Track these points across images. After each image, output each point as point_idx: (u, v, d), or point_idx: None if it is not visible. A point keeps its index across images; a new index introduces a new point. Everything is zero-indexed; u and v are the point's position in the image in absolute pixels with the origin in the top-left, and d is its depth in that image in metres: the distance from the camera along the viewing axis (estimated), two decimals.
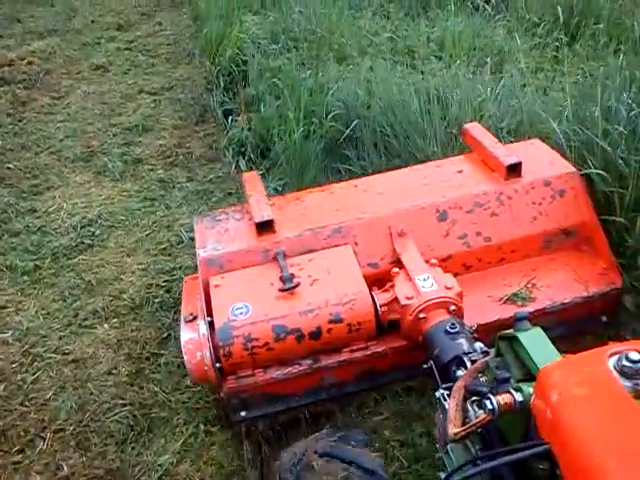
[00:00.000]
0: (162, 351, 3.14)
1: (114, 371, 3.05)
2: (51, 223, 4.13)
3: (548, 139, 3.12)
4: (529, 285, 2.62)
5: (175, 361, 3.05)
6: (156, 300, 3.42)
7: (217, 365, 2.31)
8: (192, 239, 3.15)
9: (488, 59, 4.49)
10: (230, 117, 4.90)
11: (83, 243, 3.93)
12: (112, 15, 7.51)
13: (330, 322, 2.33)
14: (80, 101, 5.68)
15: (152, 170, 4.63)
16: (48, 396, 2.94)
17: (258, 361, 2.33)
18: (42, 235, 4.03)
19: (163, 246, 3.84)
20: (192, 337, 2.41)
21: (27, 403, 2.92)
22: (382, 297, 2.39)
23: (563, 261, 2.70)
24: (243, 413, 2.43)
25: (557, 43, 4.78)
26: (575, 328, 2.62)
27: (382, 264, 2.55)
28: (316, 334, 2.32)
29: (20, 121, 5.40)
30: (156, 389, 2.94)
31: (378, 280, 2.49)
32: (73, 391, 2.96)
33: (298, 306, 2.35)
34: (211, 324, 2.34)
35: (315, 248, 2.56)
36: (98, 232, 4.02)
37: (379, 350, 2.42)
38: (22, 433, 2.78)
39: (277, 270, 2.46)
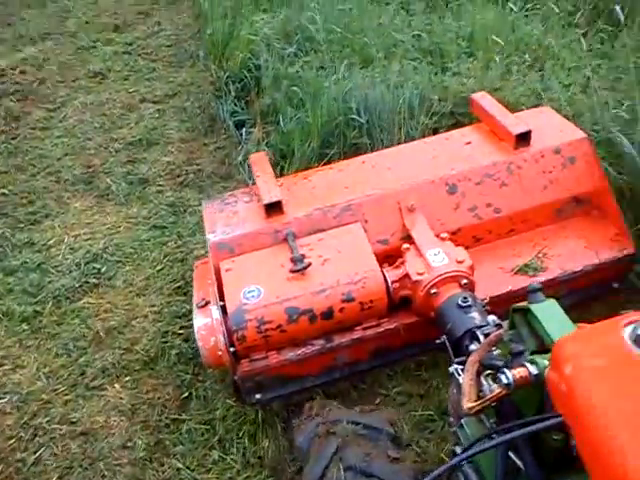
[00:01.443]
0: (183, 415, 2.77)
1: (129, 444, 2.69)
2: (51, 259, 3.73)
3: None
4: (540, 255, 2.60)
5: (199, 428, 2.70)
6: (172, 352, 3.03)
7: (231, 349, 2.29)
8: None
9: (526, 56, 4.10)
10: (244, 129, 4.43)
11: (88, 283, 3.53)
12: (107, 15, 6.95)
13: (342, 301, 2.32)
14: (78, 113, 5.22)
15: (160, 192, 4.21)
16: None
17: (271, 343, 2.33)
18: (42, 274, 3.62)
19: (177, 284, 3.43)
20: (205, 322, 2.40)
21: None
22: (393, 274, 2.38)
23: (574, 229, 2.68)
24: (258, 395, 2.43)
25: (602, 34, 4.21)
26: (587, 296, 2.61)
27: (392, 240, 2.54)
28: (328, 314, 2.32)
29: (14, 139, 4.94)
30: (179, 465, 2.58)
31: (389, 257, 2.48)
32: (82, 472, 2.61)
33: (310, 287, 2.34)
34: (223, 308, 2.33)
35: (325, 227, 2.55)
36: (104, 269, 3.60)
37: (391, 327, 2.41)
38: None
39: (287, 251, 2.45)
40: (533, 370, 1.45)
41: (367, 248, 2.45)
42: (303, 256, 2.40)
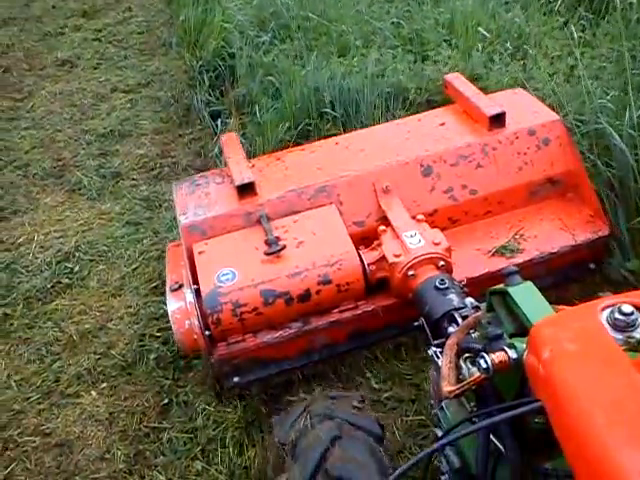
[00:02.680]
0: (164, 424, 2.66)
1: (107, 455, 2.57)
2: (21, 259, 3.56)
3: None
4: (517, 236, 2.60)
5: (181, 437, 2.60)
6: (151, 356, 2.90)
7: (206, 333, 2.26)
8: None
9: (508, 44, 4.04)
10: (219, 119, 4.29)
11: (60, 283, 3.38)
12: (75, 0, 6.76)
13: (319, 284, 2.30)
14: (46, 103, 5.04)
15: (134, 186, 4.06)
16: None
17: (248, 326, 2.30)
18: (11, 274, 3.47)
19: (154, 284, 3.29)
20: (179, 306, 2.37)
21: None
22: (370, 256, 2.36)
23: (550, 211, 2.68)
24: (236, 379, 2.39)
25: (583, 22, 4.15)
26: (564, 276, 2.63)
27: (368, 222, 2.52)
28: (305, 296, 2.29)
29: None
30: (161, 477, 2.47)
31: (364, 239, 2.46)
32: None
33: (285, 269, 2.31)
34: (197, 292, 2.29)
35: (299, 209, 2.52)
36: (77, 268, 3.45)
37: (369, 309, 2.39)
38: None
39: (261, 233, 2.41)
40: (512, 354, 1.43)
41: (342, 230, 2.43)
42: (278, 238, 2.38)
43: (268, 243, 2.36)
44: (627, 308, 1.21)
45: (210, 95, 4.55)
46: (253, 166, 2.71)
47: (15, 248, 3.64)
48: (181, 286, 2.43)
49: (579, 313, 1.32)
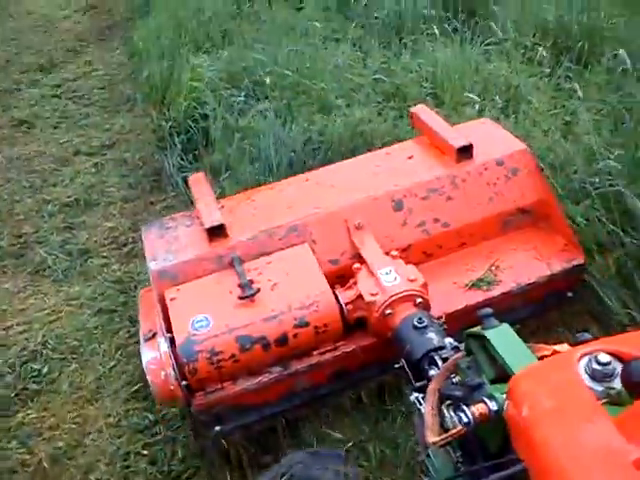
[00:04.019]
0: None
1: None
2: None
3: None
4: (493, 268, 2.59)
5: None
6: None
7: (183, 383, 2.19)
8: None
9: (497, 97, 3.87)
10: None
11: (26, 389, 2.93)
12: (31, 53, 6.29)
13: (295, 327, 2.26)
14: (3, 170, 4.60)
15: (105, 265, 3.63)
16: None
17: (225, 374, 2.24)
18: None
19: (135, 387, 2.88)
20: (154, 356, 2.30)
21: None
22: (346, 295, 2.33)
23: (523, 241, 2.68)
24: (217, 427, 2.32)
25: (568, 72, 4.06)
26: (542, 306, 2.63)
27: (342, 260, 2.49)
28: (282, 340, 2.26)
29: None
30: None
31: (340, 277, 2.43)
32: None
33: (261, 313, 2.27)
34: (172, 340, 2.23)
35: (271, 250, 2.48)
36: (45, 369, 3.01)
37: (348, 350, 2.36)
38: None
39: (234, 277, 2.37)
40: (492, 406, 1.42)
41: (316, 270, 2.39)
42: (251, 281, 2.33)
43: (241, 287, 2.31)
44: (604, 357, 1.21)
45: (183, 160, 4.18)
46: (222, 207, 2.66)
47: None
48: (155, 335, 2.37)
49: (556, 364, 1.33)
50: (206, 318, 2.25)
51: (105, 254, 3.73)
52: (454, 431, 1.48)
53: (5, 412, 2.84)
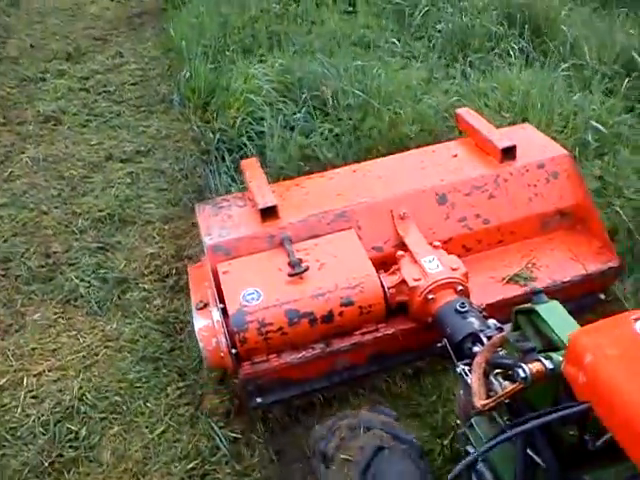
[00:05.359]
0: None
1: None
2: (5, 416, 2.62)
3: None
4: (529, 265, 2.67)
5: None
6: None
7: (233, 351, 2.29)
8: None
9: (589, 137, 3.57)
10: None
11: (62, 457, 2.46)
12: (57, 39, 5.88)
13: (341, 305, 2.35)
14: (28, 172, 4.10)
15: (145, 300, 3.14)
16: None
17: (272, 346, 2.34)
18: None
19: (191, 464, 2.43)
20: (206, 324, 2.38)
21: None
22: (389, 280, 2.42)
23: (560, 241, 2.77)
24: (259, 399, 2.42)
25: None
26: (576, 306, 2.59)
27: (386, 247, 2.59)
28: (328, 317, 2.35)
29: None
30: None
31: (383, 263, 2.51)
32: None
33: (309, 290, 2.36)
34: (224, 310, 2.34)
35: (319, 233, 2.59)
36: (84, 431, 2.55)
37: (389, 332, 2.44)
38: None
39: (284, 255, 2.47)
40: (548, 364, 1.47)
41: (363, 253, 2.50)
42: (300, 260, 2.43)
43: (291, 264, 2.42)
44: None
45: (233, 180, 3.69)
46: (274, 191, 2.76)
47: None
48: (206, 305, 2.46)
49: (613, 324, 1.38)
50: (257, 291, 2.35)
51: (146, 286, 3.24)
52: (508, 389, 1.53)
53: None
